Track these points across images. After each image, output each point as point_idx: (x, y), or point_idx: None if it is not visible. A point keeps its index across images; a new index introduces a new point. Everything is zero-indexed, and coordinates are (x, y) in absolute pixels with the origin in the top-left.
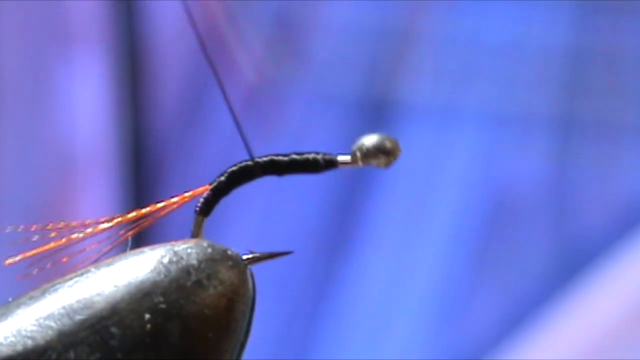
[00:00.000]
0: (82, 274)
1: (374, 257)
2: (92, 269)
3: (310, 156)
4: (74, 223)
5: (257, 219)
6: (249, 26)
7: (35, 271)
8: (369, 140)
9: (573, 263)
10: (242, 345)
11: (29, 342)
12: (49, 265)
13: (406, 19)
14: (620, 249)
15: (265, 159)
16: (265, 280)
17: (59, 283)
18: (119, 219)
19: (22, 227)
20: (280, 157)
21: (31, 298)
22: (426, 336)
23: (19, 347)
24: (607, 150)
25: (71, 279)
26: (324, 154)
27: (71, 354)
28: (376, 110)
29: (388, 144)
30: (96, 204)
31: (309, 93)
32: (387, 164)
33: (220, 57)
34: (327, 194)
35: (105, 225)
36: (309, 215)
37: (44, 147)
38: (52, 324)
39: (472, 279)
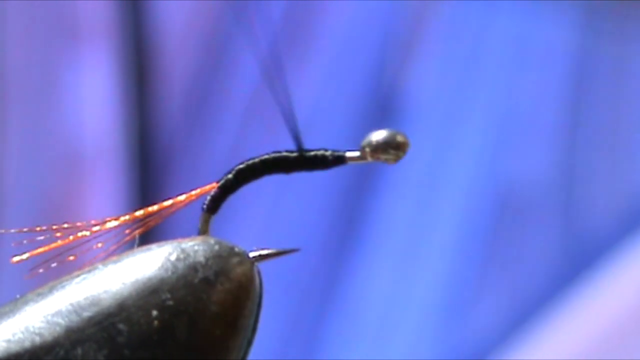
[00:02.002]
0: (89, 271)
1: (381, 254)
2: (100, 266)
3: (319, 153)
4: (80, 223)
5: (263, 216)
6: (254, 24)
7: (41, 270)
8: (378, 135)
9: (579, 260)
10: (249, 342)
11: (37, 339)
12: (55, 264)
13: (413, 15)
14: (626, 246)
15: (272, 156)
16: (272, 278)
17: (67, 280)
18: (126, 217)
19: (28, 228)
20: (288, 154)
21: (39, 295)
22: (433, 332)
23: (27, 344)
24: (614, 148)
25: (78, 276)
26: (332, 150)
27: (79, 351)
28: (382, 107)
29: (397, 139)
30: (103, 199)
31: (313, 92)
32: (396, 159)
33: (225, 55)
34: (334, 191)
35: (112, 223)
36: (315, 212)
37: (52, 143)
38: (60, 320)
39: (479, 276)
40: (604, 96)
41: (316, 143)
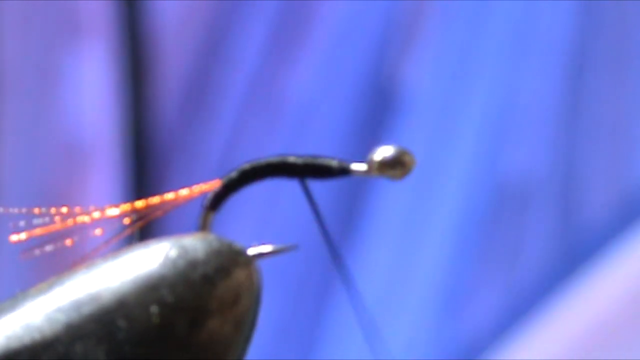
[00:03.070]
0: (88, 267)
1: (378, 247)
2: (99, 262)
3: (325, 161)
4: (80, 208)
5: (261, 212)
6: (252, 17)
7: (38, 252)
8: (386, 152)
9: (577, 252)
10: (248, 338)
11: (37, 335)
12: (53, 248)
13: (411, 6)
14: (624, 240)
15: (278, 159)
16: (269, 274)
17: (66, 276)
18: (127, 207)
19: (27, 209)
20: (294, 159)
21: (39, 291)
22: (431, 325)
23: (27, 340)
24: (613, 141)
25: (78, 272)
26: (339, 160)
27: (78, 347)
28: (380, 100)
29: (405, 158)
30: (101, 191)
31: (310, 85)
32: (402, 177)
33: (223, 48)
34: (331, 187)
35: (113, 211)
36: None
37: (50, 136)
38: (60, 316)
39: (476, 271)
40: (604, 86)
41: (313, 135)
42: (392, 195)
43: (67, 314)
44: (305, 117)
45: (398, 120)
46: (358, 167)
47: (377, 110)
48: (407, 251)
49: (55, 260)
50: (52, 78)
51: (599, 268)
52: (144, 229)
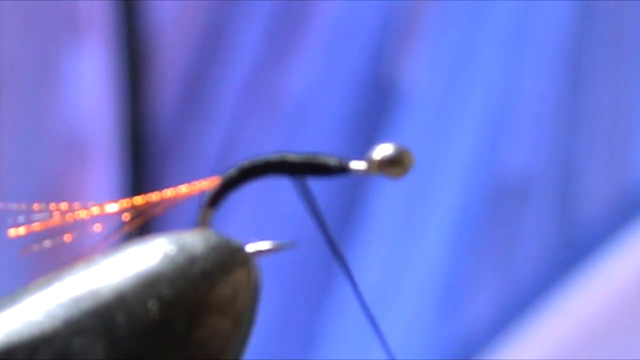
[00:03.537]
0: (87, 263)
1: (375, 246)
2: (98, 258)
3: (324, 159)
4: (79, 204)
5: (259, 209)
6: (249, 15)
7: (37, 248)
8: (385, 150)
9: (575, 250)
10: (247, 335)
11: (36, 330)
12: (52, 243)
13: (408, 6)
14: (622, 236)
15: (277, 157)
16: (267, 271)
17: (65, 272)
18: (126, 204)
19: (26, 205)
20: (293, 157)
21: (38, 286)
22: (427, 324)
23: (26, 335)
24: (610, 137)
25: (77, 267)
26: (339, 158)
27: (77, 342)
28: (378, 98)
29: (404, 156)
30: (100, 189)
31: (307, 83)
32: (401, 176)
33: (220, 45)
34: (329, 184)
35: (112, 207)
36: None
37: (49, 131)
38: (59, 312)
39: (473, 267)
40: (602, 82)
41: (311, 133)
42: (389, 192)
43: (66, 309)
44: (303, 114)
45: (396, 117)
46: (357, 165)
47: (375, 107)
48: (404, 248)
49: (55, 256)
50: (50, 75)
51: (596, 265)
52: (143, 226)
